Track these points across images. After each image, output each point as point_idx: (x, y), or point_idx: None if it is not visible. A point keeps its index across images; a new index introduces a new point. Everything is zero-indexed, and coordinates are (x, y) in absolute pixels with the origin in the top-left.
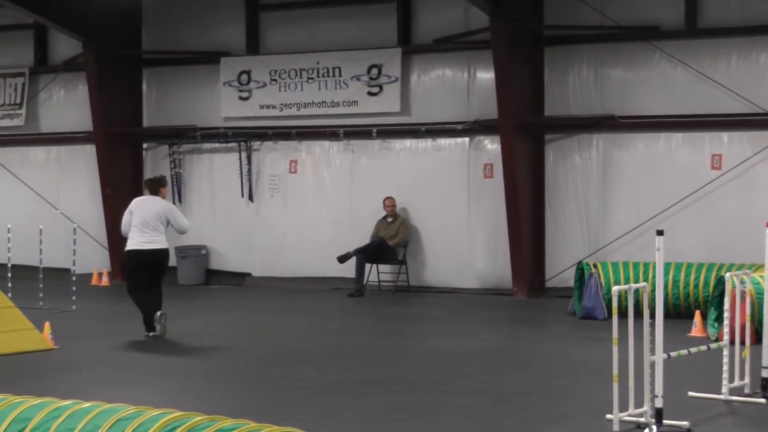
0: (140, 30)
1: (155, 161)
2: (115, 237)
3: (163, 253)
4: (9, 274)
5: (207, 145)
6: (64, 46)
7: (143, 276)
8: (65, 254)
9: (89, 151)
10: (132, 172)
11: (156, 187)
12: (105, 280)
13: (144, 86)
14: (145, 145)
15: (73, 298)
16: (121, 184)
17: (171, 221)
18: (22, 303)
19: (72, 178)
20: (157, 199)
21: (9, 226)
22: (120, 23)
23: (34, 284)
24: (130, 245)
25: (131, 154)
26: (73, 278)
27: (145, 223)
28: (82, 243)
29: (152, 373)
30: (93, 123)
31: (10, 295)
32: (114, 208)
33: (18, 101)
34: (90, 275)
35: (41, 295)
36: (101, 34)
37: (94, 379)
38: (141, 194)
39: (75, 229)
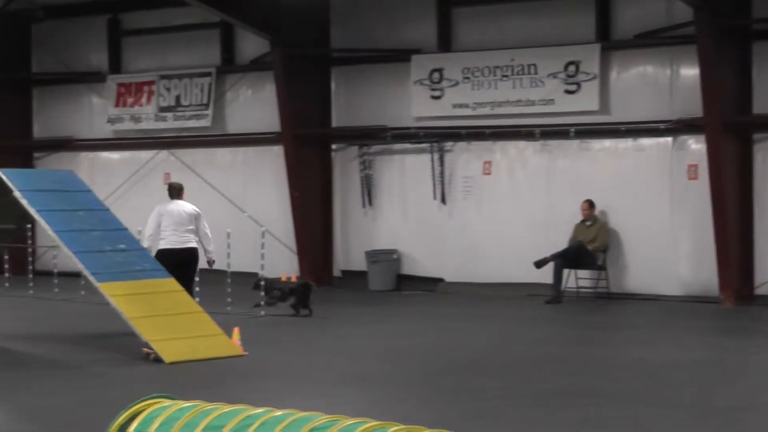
0: (328, 28)
1: (344, 163)
2: (304, 241)
3: (196, 251)
4: (197, 278)
5: (398, 146)
6: (251, 45)
7: (177, 272)
8: (253, 258)
9: (277, 152)
10: (320, 174)
11: (180, 192)
12: None
13: (332, 86)
14: (333, 146)
15: (262, 303)
16: (309, 187)
17: (197, 223)
18: (211, 308)
19: (259, 180)
20: (183, 202)
21: None
22: (308, 21)
23: (222, 289)
24: (165, 245)
25: (319, 156)
26: (261, 283)
27: (179, 224)
28: (270, 247)
29: (342, 380)
30: (281, 124)
31: (198, 299)
32: (302, 211)
33: (205, 101)
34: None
35: (229, 300)
36: (289, 32)
37: (284, 387)
38: (329, 198)
39: (263, 233)
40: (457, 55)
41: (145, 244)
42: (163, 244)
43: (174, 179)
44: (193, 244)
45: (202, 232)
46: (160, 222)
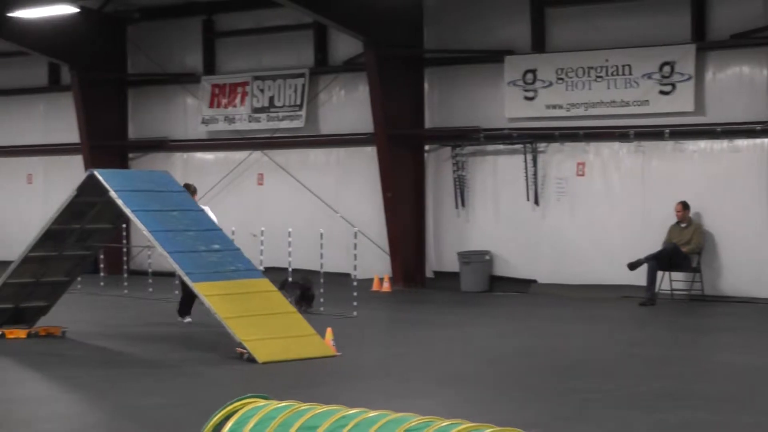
0: (422, 28)
1: (437, 163)
2: (397, 242)
3: None
4: (290, 279)
5: (490, 147)
6: (345, 45)
7: None
8: (346, 259)
9: (370, 153)
10: (413, 175)
11: (193, 194)
12: (386, 286)
13: (425, 86)
14: (426, 147)
15: (354, 303)
16: (402, 187)
17: None
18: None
19: (352, 181)
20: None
21: (290, 229)
22: (401, 22)
23: (315, 289)
24: None
25: (413, 157)
26: (354, 283)
27: None
28: (363, 248)
29: (435, 381)
30: (374, 124)
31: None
32: (395, 212)
33: (298, 102)
34: (371, 281)
35: (322, 300)
36: (382, 33)
37: (377, 388)
38: (422, 199)
39: (356, 234)
40: (551, 56)
41: None
42: None
43: (267, 180)
44: None
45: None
46: None
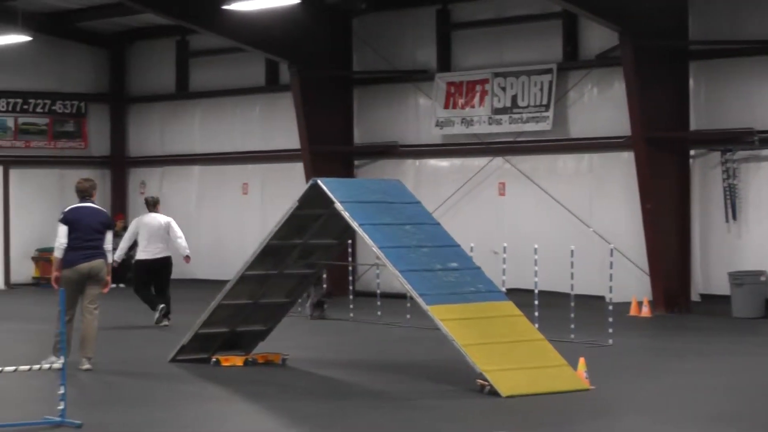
0: (686, 17)
1: (704, 171)
2: (658, 260)
3: (168, 259)
4: (536, 302)
5: (767, 152)
6: (598, 37)
7: (150, 279)
8: (599, 279)
9: (626, 159)
10: (677, 183)
11: (156, 205)
12: (645, 311)
13: (691, 83)
14: (692, 152)
15: (610, 330)
16: (664, 198)
17: (170, 231)
18: (552, 335)
19: (606, 191)
20: (158, 215)
21: (535, 246)
22: (662, 10)
23: (564, 313)
24: (141, 256)
25: (676, 163)
26: (609, 307)
27: (153, 236)
28: (619, 267)
29: (702, 420)
30: (631, 126)
31: (537, 325)
32: (655, 226)
33: (545, 102)
34: (628, 304)
35: (573, 326)
36: (641, 22)
37: (635, 426)
38: (687, 211)
39: (611, 251)
40: None
41: (117, 253)
42: (139, 255)
43: (510, 189)
44: (164, 254)
45: (173, 237)
46: (135, 234)
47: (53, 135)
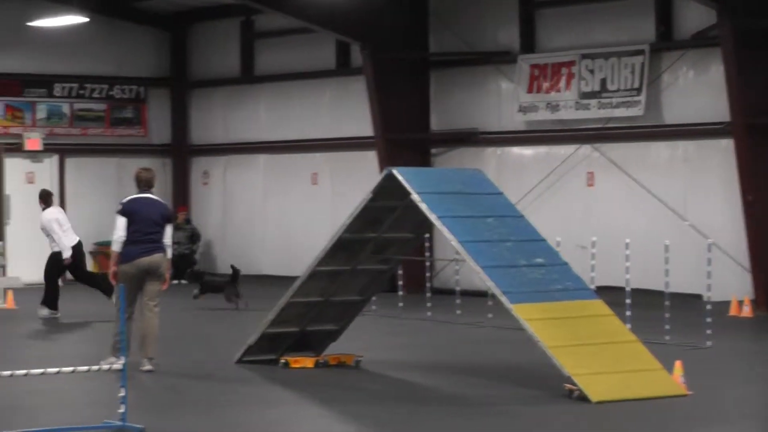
0: None
1: None
2: (760, 256)
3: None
4: (628, 300)
5: None
6: (694, 15)
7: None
8: (696, 277)
9: (725, 146)
10: None
11: (43, 199)
12: (746, 311)
13: None
14: None
15: (708, 331)
16: (767, 189)
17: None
18: (646, 336)
19: (703, 181)
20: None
21: (627, 240)
22: None
23: (658, 313)
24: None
25: None
26: (708, 307)
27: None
28: (718, 263)
29: None
30: (731, 112)
31: (629, 326)
32: (758, 220)
33: (636, 86)
34: (727, 303)
35: (668, 327)
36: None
37: None
38: None
39: (709, 246)
40: None
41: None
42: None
43: (599, 180)
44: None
45: None
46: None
47: (111, 122)
